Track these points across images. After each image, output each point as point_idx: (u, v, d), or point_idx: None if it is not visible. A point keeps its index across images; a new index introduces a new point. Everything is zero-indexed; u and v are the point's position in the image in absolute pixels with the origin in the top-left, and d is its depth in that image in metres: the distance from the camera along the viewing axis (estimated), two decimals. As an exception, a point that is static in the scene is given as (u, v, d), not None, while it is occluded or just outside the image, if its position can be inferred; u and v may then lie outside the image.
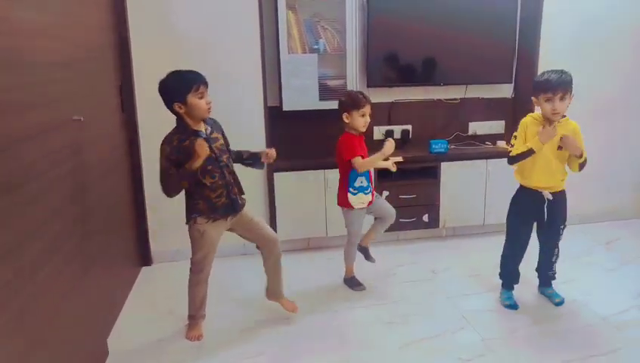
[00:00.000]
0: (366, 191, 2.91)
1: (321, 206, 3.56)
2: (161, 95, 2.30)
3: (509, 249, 2.88)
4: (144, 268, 3.44)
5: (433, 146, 3.68)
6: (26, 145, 1.74)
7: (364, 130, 2.87)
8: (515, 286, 2.93)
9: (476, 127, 4.04)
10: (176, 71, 2.30)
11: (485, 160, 3.70)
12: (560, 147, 2.62)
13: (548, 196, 2.69)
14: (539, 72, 3.67)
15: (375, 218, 3.14)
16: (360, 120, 2.82)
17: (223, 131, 2.53)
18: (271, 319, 2.77)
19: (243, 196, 2.57)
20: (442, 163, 3.66)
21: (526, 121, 2.69)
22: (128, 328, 2.71)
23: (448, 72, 3.83)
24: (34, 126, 1.82)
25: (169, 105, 2.30)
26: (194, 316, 2.62)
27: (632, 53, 3.92)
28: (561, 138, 2.56)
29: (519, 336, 2.59)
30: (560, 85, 2.50)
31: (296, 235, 3.62)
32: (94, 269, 2.39)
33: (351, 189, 2.90)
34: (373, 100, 3.72)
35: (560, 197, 2.73)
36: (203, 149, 2.26)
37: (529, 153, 2.59)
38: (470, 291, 3.03)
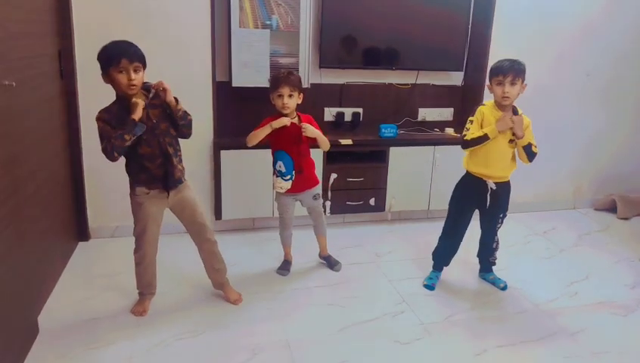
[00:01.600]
0: (285, 177, 2.82)
1: (267, 186, 3.49)
2: None
3: (446, 233, 2.95)
4: (80, 243, 3.30)
5: (383, 130, 3.69)
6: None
7: (284, 112, 2.73)
8: (458, 271, 3.00)
9: (426, 113, 4.07)
10: (109, 43, 2.20)
11: (433, 146, 3.74)
12: (511, 141, 2.67)
13: (492, 185, 2.74)
14: (490, 61, 3.76)
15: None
16: (277, 101, 2.72)
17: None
18: (210, 299, 2.74)
19: (181, 170, 2.46)
20: (390, 148, 3.67)
21: (483, 108, 2.71)
22: (60, 306, 2.60)
23: (401, 57, 3.82)
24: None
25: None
26: (142, 293, 2.58)
27: (579, 44, 4.03)
28: (511, 118, 2.61)
29: (456, 321, 2.65)
30: (511, 70, 2.58)
31: (242, 215, 3.57)
32: (24, 243, 2.27)
33: (275, 171, 2.86)
34: (324, 81, 3.73)
35: (505, 187, 2.79)
36: (137, 106, 2.19)
37: (484, 138, 2.63)
38: (411, 275, 3.08)
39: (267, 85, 3.38)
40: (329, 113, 3.82)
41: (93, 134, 3.14)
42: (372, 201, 3.76)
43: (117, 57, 2.15)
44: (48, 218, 2.75)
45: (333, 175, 3.54)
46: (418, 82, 3.98)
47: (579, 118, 4.22)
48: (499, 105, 2.66)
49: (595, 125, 4.28)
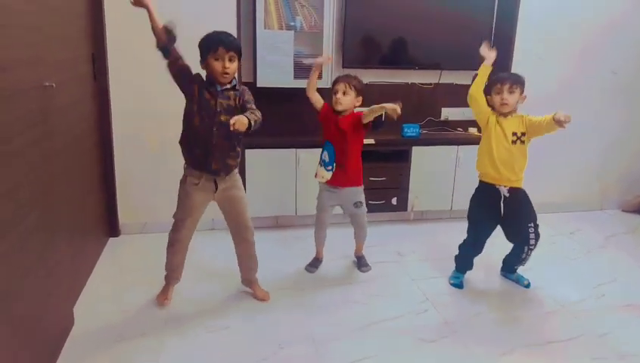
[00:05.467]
0: (327, 167, 2.88)
1: (291, 185, 3.56)
2: None
3: (467, 240, 2.96)
4: (111, 239, 3.40)
5: (406, 130, 3.71)
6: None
7: (337, 108, 2.83)
8: (482, 271, 3.03)
9: (449, 113, 4.08)
10: (210, 32, 2.35)
11: (456, 146, 3.75)
12: (514, 141, 2.70)
13: (504, 192, 2.75)
14: (514, 60, 3.77)
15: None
16: (332, 97, 2.84)
17: (247, 101, 2.43)
18: (238, 294, 2.80)
19: (225, 166, 2.47)
20: (413, 147, 3.69)
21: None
22: (94, 298, 2.69)
23: (423, 56, 3.84)
24: (2, 90, 1.75)
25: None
26: (167, 276, 2.68)
27: (604, 42, 3.99)
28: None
29: (480, 320, 2.65)
30: (509, 78, 2.71)
31: (266, 213, 3.62)
32: (60, 239, 2.36)
33: (320, 160, 2.93)
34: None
35: (518, 194, 2.77)
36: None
37: (483, 70, 2.75)
38: (435, 274, 3.09)
39: (290, 85, 3.48)
40: (352, 113, 3.85)
41: (124, 134, 3.28)
42: (394, 201, 3.78)
43: (215, 44, 2.30)
44: (82, 214, 2.84)
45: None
46: (441, 81, 3.99)
47: (606, 117, 4.17)
48: (499, 113, 2.75)
49: (622, 124, 4.22)
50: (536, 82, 3.72)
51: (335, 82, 2.86)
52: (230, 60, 2.33)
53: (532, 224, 2.82)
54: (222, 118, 2.38)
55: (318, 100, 2.90)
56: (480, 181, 2.87)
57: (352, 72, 3.70)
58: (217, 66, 2.31)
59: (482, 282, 3.03)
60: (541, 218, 3.90)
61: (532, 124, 2.67)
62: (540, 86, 3.82)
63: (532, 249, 2.85)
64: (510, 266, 3.02)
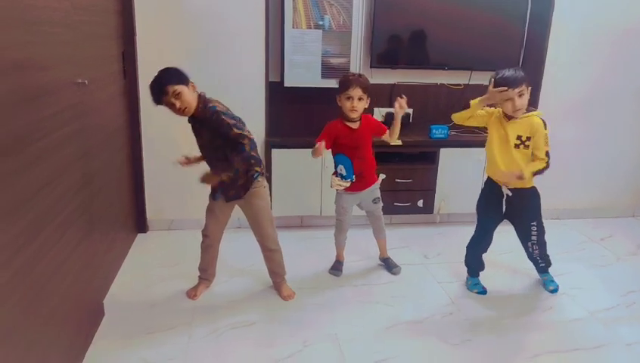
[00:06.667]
0: (345, 181, 2.83)
1: (316, 185, 3.56)
2: None
3: (473, 237, 2.91)
4: (139, 235, 3.46)
5: (434, 131, 3.67)
6: (32, 105, 1.73)
7: (352, 116, 2.70)
8: (508, 275, 2.99)
9: (478, 115, 4.02)
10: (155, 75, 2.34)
11: (484, 149, 3.68)
12: (517, 145, 2.58)
13: (506, 191, 2.68)
14: (547, 62, 3.68)
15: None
16: (345, 104, 2.67)
17: (219, 126, 2.34)
18: (264, 291, 2.83)
19: (241, 189, 2.54)
20: (441, 149, 3.65)
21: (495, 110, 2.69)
22: (122, 292, 2.76)
23: (453, 57, 3.79)
24: (39, 87, 1.81)
25: None
26: (200, 275, 2.78)
27: (638, 48, 3.88)
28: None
29: (506, 325, 2.62)
30: (515, 80, 2.48)
31: (290, 212, 3.63)
32: (93, 232, 2.42)
33: (335, 171, 2.88)
34: (375, 81, 3.72)
35: (524, 194, 2.69)
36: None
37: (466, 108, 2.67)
38: (461, 278, 3.05)
39: (318, 85, 3.47)
40: (379, 114, 3.83)
41: (153, 132, 3.32)
42: (420, 203, 3.75)
43: (159, 88, 2.31)
44: (112, 211, 2.90)
45: (382, 176, 3.54)
46: (471, 82, 3.94)
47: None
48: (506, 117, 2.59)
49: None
50: (570, 86, 3.66)
51: (347, 86, 2.64)
52: (175, 97, 2.29)
53: (534, 223, 2.77)
54: (211, 153, 2.50)
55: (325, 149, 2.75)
56: (488, 177, 2.80)
57: (381, 72, 3.72)
58: (172, 108, 2.33)
59: (508, 287, 2.99)
60: (570, 224, 3.88)
61: (535, 143, 2.55)
62: (574, 90, 3.76)
63: (535, 244, 2.81)
64: (535, 266, 2.96)
